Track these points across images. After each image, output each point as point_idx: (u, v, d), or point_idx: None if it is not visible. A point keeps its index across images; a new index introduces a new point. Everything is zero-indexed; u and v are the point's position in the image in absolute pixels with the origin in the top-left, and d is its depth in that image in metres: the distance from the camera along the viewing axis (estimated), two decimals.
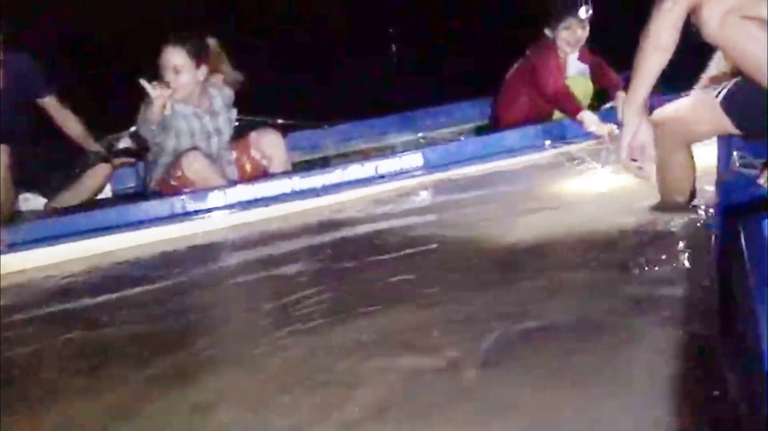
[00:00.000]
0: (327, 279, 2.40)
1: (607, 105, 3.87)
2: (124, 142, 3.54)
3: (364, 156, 3.80)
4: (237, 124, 3.54)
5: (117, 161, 3.58)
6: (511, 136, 3.68)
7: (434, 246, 2.58)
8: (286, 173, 3.44)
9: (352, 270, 2.46)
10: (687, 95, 2.49)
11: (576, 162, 3.39)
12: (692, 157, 2.46)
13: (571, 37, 3.80)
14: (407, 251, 2.54)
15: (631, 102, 2.30)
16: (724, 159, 2.39)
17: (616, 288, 1.96)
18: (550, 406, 1.47)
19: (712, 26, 2.04)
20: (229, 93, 3.45)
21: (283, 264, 2.61)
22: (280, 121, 3.93)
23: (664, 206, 2.50)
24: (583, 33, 3.82)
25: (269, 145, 3.47)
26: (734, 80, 2.29)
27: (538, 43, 3.90)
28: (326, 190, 3.34)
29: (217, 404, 1.66)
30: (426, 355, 1.74)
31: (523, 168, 3.49)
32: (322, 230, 3.00)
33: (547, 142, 3.66)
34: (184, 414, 1.63)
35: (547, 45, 3.87)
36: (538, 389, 1.53)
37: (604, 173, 3.15)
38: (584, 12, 3.72)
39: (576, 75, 3.93)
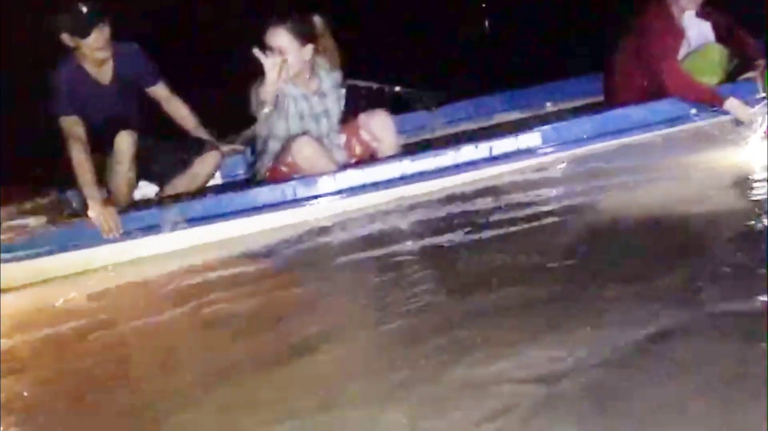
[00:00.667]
0: None
1: (746, 75, 3.38)
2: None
3: (482, 135, 3.56)
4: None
5: (227, 148, 3.54)
6: (635, 113, 3.38)
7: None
8: (397, 155, 3.31)
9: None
10: None
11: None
12: None
13: None
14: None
15: None
16: None
17: None
18: None
19: None
20: (337, 74, 3.33)
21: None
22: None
23: None
24: None
25: (379, 126, 3.34)
26: None
27: (648, 6, 3.46)
28: (444, 171, 3.21)
29: None
30: None
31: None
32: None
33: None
34: None
35: (660, 6, 3.44)
36: None
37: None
38: None
39: (701, 45, 3.46)
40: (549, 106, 4.17)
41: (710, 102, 3.30)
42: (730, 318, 1.69)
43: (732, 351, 1.54)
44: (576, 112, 3.78)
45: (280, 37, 3.10)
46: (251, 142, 3.41)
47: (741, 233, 2.22)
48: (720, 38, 3.51)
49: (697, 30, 3.49)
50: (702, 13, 3.49)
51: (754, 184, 2.60)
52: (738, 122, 3.22)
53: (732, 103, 3.23)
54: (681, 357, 1.56)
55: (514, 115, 4.15)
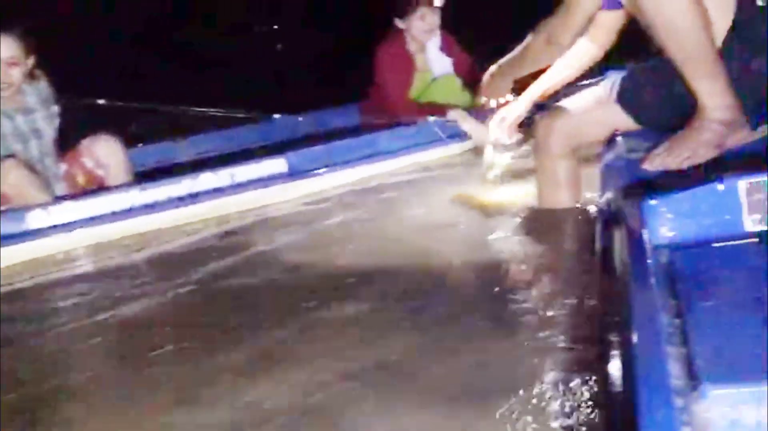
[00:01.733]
0: None
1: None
2: None
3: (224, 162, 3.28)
4: None
5: None
6: (385, 138, 3.33)
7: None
8: (125, 184, 2.96)
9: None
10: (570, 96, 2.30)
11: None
12: (578, 165, 2.25)
13: (425, 26, 3.55)
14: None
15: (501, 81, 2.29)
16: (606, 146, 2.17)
17: None
18: None
19: None
20: (45, 86, 2.95)
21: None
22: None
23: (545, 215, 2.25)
24: (437, 19, 3.58)
25: (104, 152, 2.99)
26: (621, 75, 2.11)
27: (388, 38, 3.64)
28: (174, 202, 2.88)
29: None
30: None
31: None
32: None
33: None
34: None
35: (396, 39, 3.60)
36: None
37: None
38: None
39: (441, 75, 3.66)
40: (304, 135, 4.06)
41: (437, 114, 3.39)
42: None
43: None
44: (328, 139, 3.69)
45: (9, 47, 2.75)
46: None
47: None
48: (458, 74, 3.70)
49: (440, 65, 3.69)
50: (446, 48, 3.64)
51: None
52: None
53: (455, 114, 3.34)
54: None
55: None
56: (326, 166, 3.14)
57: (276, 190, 3.03)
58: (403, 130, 3.37)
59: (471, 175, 2.93)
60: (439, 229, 2.41)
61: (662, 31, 1.80)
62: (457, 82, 3.67)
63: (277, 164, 3.09)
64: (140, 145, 3.71)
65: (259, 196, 2.99)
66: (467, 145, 3.34)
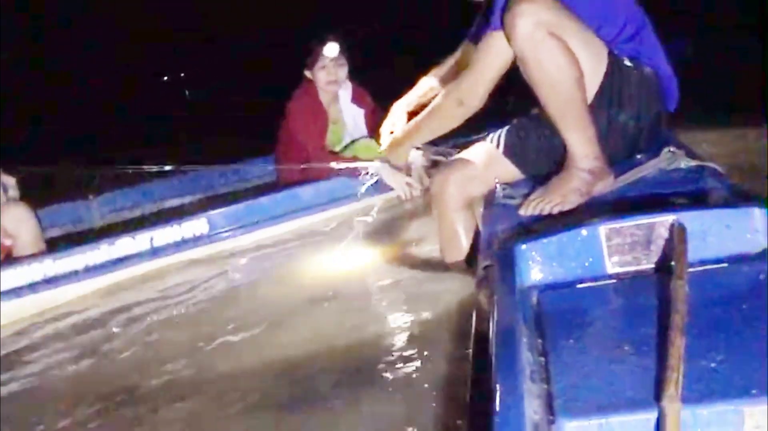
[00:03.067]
0: None
1: None
2: None
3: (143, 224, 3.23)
4: None
5: None
6: (305, 193, 3.32)
7: None
8: (37, 254, 2.86)
9: None
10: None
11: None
12: (474, 214, 2.32)
13: (329, 77, 3.60)
14: None
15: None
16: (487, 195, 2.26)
17: None
18: None
19: (522, 36, 1.88)
20: None
21: None
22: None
23: (446, 265, 2.31)
24: (341, 71, 3.63)
25: (13, 220, 2.88)
26: (506, 127, 2.21)
27: (299, 89, 3.67)
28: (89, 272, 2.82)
29: None
30: None
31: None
32: None
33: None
34: None
35: (307, 89, 3.64)
36: None
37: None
38: (333, 50, 3.56)
39: (361, 138, 3.68)
40: (221, 190, 4.04)
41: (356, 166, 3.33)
42: None
43: None
44: (247, 195, 3.65)
45: None
46: None
47: None
48: (369, 125, 3.72)
49: (353, 117, 3.74)
50: (357, 100, 3.70)
51: None
52: None
53: (378, 167, 3.30)
54: None
55: (183, 200, 3.94)
56: (245, 226, 3.14)
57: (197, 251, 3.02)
58: (324, 185, 3.35)
59: (384, 229, 2.96)
60: (322, 298, 2.39)
61: (540, 85, 1.93)
62: (376, 145, 3.67)
63: (199, 224, 3.06)
64: (52, 205, 3.59)
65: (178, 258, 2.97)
66: (390, 196, 3.26)
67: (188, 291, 2.65)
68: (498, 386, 0.99)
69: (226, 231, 3.12)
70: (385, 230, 2.98)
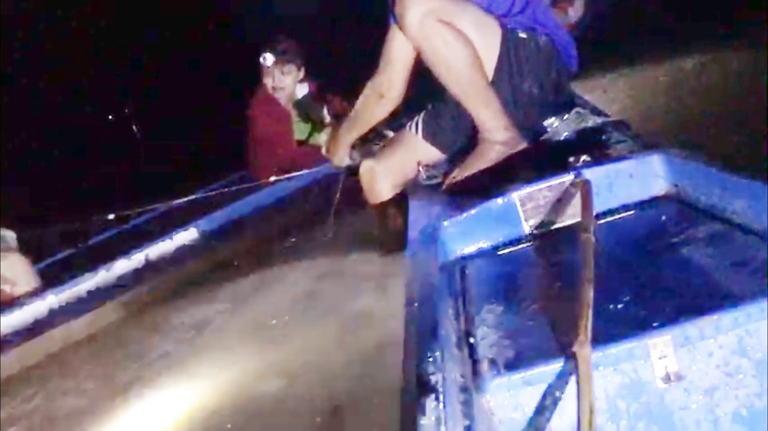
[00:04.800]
0: None
1: None
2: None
3: None
4: None
5: None
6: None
7: None
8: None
9: None
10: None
11: None
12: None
13: (274, 83, 3.66)
14: None
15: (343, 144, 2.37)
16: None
17: None
18: None
19: (412, 27, 1.95)
20: None
21: None
22: None
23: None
24: (287, 77, 3.68)
25: (11, 269, 2.93)
26: (422, 112, 2.29)
27: (257, 96, 3.74)
28: None
29: None
30: None
31: None
32: None
33: None
34: None
35: (264, 96, 3.71)
36: None
37: None
38: (268, 59, 3.60)
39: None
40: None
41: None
42: None
43: None
44: None
45: None
46: None
47: None
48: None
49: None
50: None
51: None
52: None
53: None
54: None
55: None
56: None
57: None
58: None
59: None
60: None
61: (439, 69, 2.00)
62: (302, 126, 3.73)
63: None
64: None
65: None
66: None
67: None
68: (422, 356, 1.05)
69: None
70: None
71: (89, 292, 2.88)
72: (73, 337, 2.58)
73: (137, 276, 2.96)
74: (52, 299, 2.83)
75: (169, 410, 1.90)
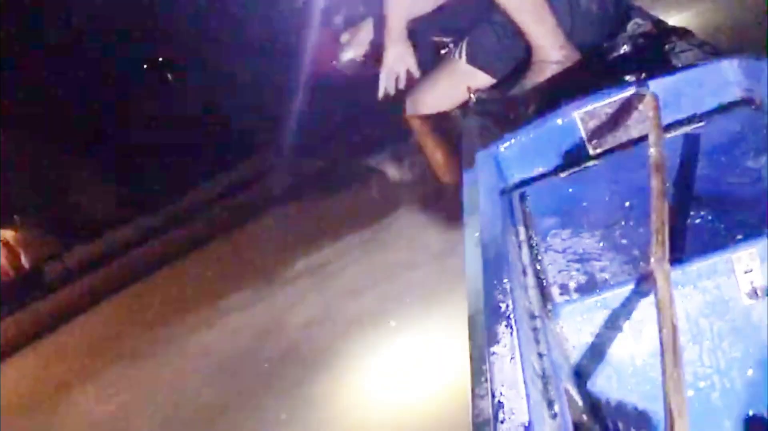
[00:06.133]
0: None
1: None
2: None
3: None
4: None
5: None
6: None
7: None
8: None
9: None
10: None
11: None
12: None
13: None
14: None
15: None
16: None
17: None
18: None
19: None
20: None
21: None
22: None
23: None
24: None
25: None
26: (467, 38, 2.18)
27: None
28: None
29: None
30: None
31: None
32: None
33: None
34: None
35: None
36: None
37: None
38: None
39: None
40: None
41: None
42: None
43: None
44: None
45: None
46: None
47: None
48: None
49: None
50: None
51: None
52: None
53: None
54: None
55: None
56: None
57: None
58: None
59: None
60: None
61: None
62: None
63: None
64: None
65: None
66: None
67: None
68: (489, 286, 1.00)
69: None
70: None
71: None
72: None
73: None
74: None
75: None
